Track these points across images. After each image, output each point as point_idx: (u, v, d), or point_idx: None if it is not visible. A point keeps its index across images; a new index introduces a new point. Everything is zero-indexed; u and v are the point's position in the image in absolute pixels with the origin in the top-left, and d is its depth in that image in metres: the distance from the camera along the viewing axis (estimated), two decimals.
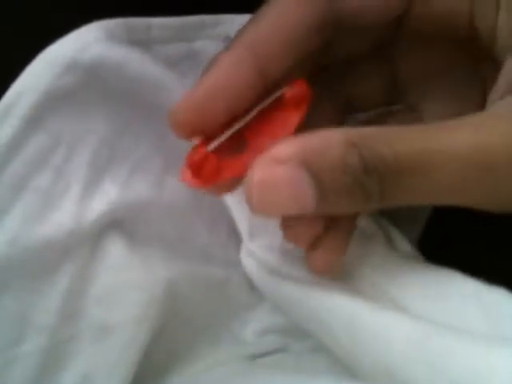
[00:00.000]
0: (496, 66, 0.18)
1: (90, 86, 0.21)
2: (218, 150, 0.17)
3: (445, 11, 0.18)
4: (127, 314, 0.20)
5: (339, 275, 0.20)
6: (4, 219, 0.19)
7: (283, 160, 0.14)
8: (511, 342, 0.14)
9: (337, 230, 0.18)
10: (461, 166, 0.14)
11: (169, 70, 0.22)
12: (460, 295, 0.16)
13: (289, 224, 0.18)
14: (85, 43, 0.20)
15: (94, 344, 0.20)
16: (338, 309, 0.18)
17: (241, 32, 0.17)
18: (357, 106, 0.21)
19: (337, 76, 0.20)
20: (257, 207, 0.15)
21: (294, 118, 0.17)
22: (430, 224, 0.24)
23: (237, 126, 0.17)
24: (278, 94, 0.17)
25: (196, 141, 0.18)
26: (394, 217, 0.22)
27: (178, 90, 0.22)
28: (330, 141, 0.15)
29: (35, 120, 0.20)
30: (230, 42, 0.17)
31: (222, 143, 0.17)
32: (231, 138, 0.17)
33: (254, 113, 0.17)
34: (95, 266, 0.21)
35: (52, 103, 0.20)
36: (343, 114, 0.21)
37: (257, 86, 0.17)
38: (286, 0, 0.17)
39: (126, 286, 0.21)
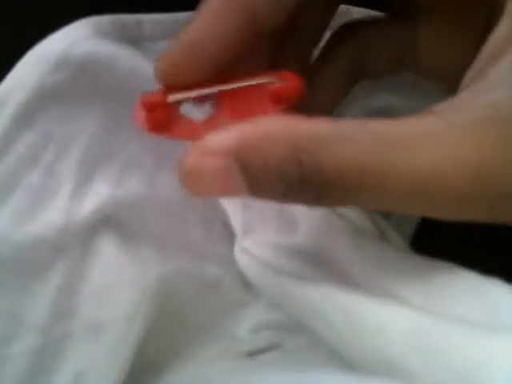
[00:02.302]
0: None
1: (79, 82, 0.20)
2: (178, 105, 0.16)
3: None
4: (119, 312, 0.20)
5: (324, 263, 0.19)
6: None
7: (216, 152, 0.14)
8: (510, 333, 0.14)
9: None
10: (408, 190, 0.14)
11: None
12: (459, 287, 0.16)
13: None
14: (74, 40, 0.20)
15: (87, 342, 0.20)
16: (336, 301, 0.18)
17: None
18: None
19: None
20: (188, 191, 0.15)
21: (272, 111, 0.16)
22: (422, 222, 0.24)
23: (210, 90, 0.17)
24: (265, 80, 0.17)
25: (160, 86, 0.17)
26: (387, 214, 0.22)
27: None
28: (272, 139, 0.14)
29: (25, 118, 0.20)
30: None
31: (186, 100, 0.17)
32: (199, 98, 0.17)
33: (233, 85, 0.17)
34: (87, 264, 0.21)
35: (41, 100, 0.20)
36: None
37: (244, 34, 0.16)
38: None
39: (118, 284, 0.20)
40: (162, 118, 0.16)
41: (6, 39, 0.22)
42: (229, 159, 0.14)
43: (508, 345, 0.13)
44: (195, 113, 0.17)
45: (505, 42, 0.15)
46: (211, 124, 0.16)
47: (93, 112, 0.21)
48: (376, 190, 0.14)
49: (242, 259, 0.23)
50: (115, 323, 0.20)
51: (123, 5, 0.22)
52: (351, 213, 0.21)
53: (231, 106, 0.17)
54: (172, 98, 0.16)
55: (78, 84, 0.21)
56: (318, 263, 0.20)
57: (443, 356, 0.14)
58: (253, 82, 0.17)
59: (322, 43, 0.21)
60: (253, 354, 0.22)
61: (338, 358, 0.19)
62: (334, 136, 0.14)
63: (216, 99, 0.17)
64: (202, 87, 0.17)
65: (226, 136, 0.14)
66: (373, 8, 0.23)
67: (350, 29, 0.21)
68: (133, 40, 0.22)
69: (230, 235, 0.24)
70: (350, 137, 0.14)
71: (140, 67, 0.21)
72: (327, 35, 0.21)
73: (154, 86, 0.22)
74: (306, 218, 0.21)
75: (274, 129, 0.14)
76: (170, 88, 0.17)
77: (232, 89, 0.17)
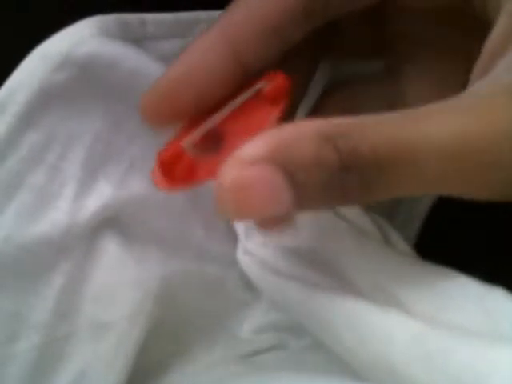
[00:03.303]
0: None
1: (83, 82, 0.20)
2: (192, 148, 0.16)
3: None
4: (122, 312, 0.20)
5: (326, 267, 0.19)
6: None
7: (255, 160, 0.13)
8: (510, 343, 0.14)
9: None
10: (440, 157, 0.14)
11: (163, 67, 0.22)
12: (460, 294, 0.16)
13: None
14: (78, 39, 0.20)
15: (90, 342, 0.20)
16: (338, 306, 0.18)
17: (218, 17, 0.17)
18: (342, 52, 0.20)
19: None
20: (232, 212, 0.14)
21: (273, 113, 0.16)
22: (425, 225, 0.24)
23: (212, 122, 0.16)
24: (255, 88, 0.17)
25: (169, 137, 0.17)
26: (390, 216, 0.22)
27: None
28: (303, 135, 0.14)
29: (29, 117, 0.20)
30: (205, 28, 0.17)
31: (196, 140, 0.16)
32: (206, 135, 0.16)
33: (230, 107, 0.17)
34: (90, 264, 0.21)
35: (46, 100, 0.20)
36: (326, 58, 0.20)
37: (231, 73, 0.16)
38: None
39: (121, 284, 0.21)
40: (184, 169, 0.16)
41: (10, 38, 0.22)
42: (270, 163, 0.13)
43: (508, 353, 0.13)
44: (206, 149, 0.17)
45: (506, 38, 0.15)
46: (227, 152, 0.16)
47: (96, 112, 0.21)
48: (411, 165, 0.14)
49: (245, 260, 0.23)
50: (118, 323, 0.20)
51: (126, 4, 0.22)
52: (353, 215, 0.21)
53: (234, 125, 0.17)
54: (184, 143, 0.16)
55: (81, 83, 0.20)
56: (319, 266, 0.20)
57: (445, 365, 0.14)
58: (245, 95, 0.17)
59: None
60: (256, 354, 0.22)
61: (341, 360, 0.19)
62: (362, 121, 0.14)
63: (217, 127, 0.17)
64: (199, 121, 0.16)
65: (259, 144, 0.14)
66: (360, 58, 0.22)
67: (338, 89, 0.21)
68: (136, 39, 0.22)
69: (232, 236, 0.24)
70: (378, 119, 0.14)
71: (144, 67, 0.21)
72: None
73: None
74: (308, 220, 0.21)
75: (303, 127, 0.14)
76: (176, 138, 0.16)
77: (233, 110, 0.17)
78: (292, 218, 0.16)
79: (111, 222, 0.21)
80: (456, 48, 0.19)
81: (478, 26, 0.17)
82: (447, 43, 0.19)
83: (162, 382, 0.21)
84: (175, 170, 0.16)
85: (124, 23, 0.21)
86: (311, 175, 0.14)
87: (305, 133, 0.14)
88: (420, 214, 0.23)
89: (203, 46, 0.16)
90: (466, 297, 0.16)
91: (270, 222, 0.15)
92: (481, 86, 0.15)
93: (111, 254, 0.21)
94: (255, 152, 0.14)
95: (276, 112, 0.16)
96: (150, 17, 0.22)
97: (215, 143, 0.17)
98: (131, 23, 0.21)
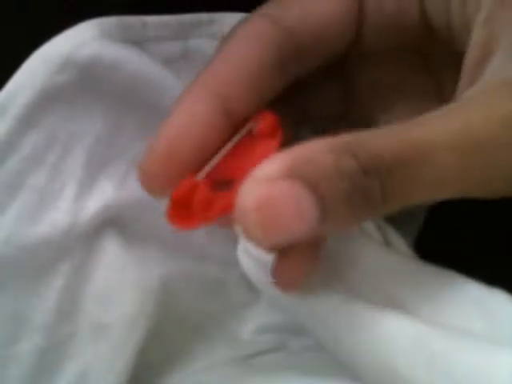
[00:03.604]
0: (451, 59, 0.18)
1: (85, 84, 0.21)
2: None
3: (395, 10, 0.18)
4: (123, 313, 0.20)
5: (305, 293, 0.19)
6: None
7: (275, 177, 0.13)
8: (511, 346, 0.14)
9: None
10: (453, 149, 0.14)
11: (164, 69, 0.22)
12: (461, 297, 0.16)
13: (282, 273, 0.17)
14: (80, 41, 0.20)
15: (91, 342, 0.20)
16: (338, 308, 0.18)
17: (200, 73, 0.17)
18: (311, 115, 0.20)
19: (290, 89, 0.19)
20: (260, 233, 0.13)
21: (272, 144, 0.16)
22: (425, 227, 0.24)
23: (213, 162, 0.16)
24: (246, 128, 0.17)
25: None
26: (390, 218, 0.22)
27: (174, 89, 0.22)
28: (318, 149, 0.14)
29: (30, 118, 0.20)
30: (189, 83, 0.17)
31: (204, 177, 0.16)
32: (214, 179, 0.16)
33: (227, 147, 0.17)
34: (91, 265, 0.21)
35: (47, 101, 0.20)
36: (295, 123, 0.20)
37: (222, 126, 0.16)
38: (245, 36, 0.17)
39: (121, 285, 0.21)
40: (201, 200, 0.15)
41: (11, 40, 0.22)
42: (291, 178, 0.13)
43: (509, 355, 0.13)
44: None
45: (486, 46, 0.16)
46: (239, 185, 0.15)
47: (97, 113, 0.21)
48: (427, 163, 0.14)
49: (245, 260, 0.23)
50: (118, 324, 0.20)
51: (127, 6, 0.22)
52: None
53: (241, 164, 0.16)
54: (199, 176, 0.16)
55: (82, 85, 0.21)
56: (320, 268, 0.20)
57: (446, 366, 0.14)
58: (239, 135, 0.17)
59: None
60: (256, 355, 0.22)
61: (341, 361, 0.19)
62: (371, 133, 0.14)
63: (219, 172, 0.16)
64: (199, 167, 0.16)
65: (275, 162, 0.13)
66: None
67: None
68: (138, 42, 0.22)
69: (232, 236, 0.24)
70: (384, 130, 0.14)
71: (145, 69, 0.21)
72: None
73: (158, 87, 0.22)
74: None
75: (315, 144, 0.14)
76: (185, 181, 0.16)
77: (228, 152, 0.17)
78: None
79: (112, 223, 0.21)
80: (424, 84, 0.20)
81: (442, 54, 0.18)
82: (414, 82, 0.20)
83: (162, 382, 0.21)
84: (192, 204, 0.15)
85: (125, 25, 0.21)
86: (334, 184, 0.13)
87: (319, 147, 0.14)
88: (420, 214, 0.24)
89: (192, 103, 0.16)
90: (466, 299, 0.16)
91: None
92: (475, 89, 0.15)
93: (112, 255, 0.21)
94: (274, 169, 0.13)
95: (275, 143, 0.17)
96: (152, 19, 0.22)
97: (225, 184, 0.16)
98: (132, 25, 0.22)
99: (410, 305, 0.17)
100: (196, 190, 0.15)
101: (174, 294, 0.22)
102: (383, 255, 0.19)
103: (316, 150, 0.14)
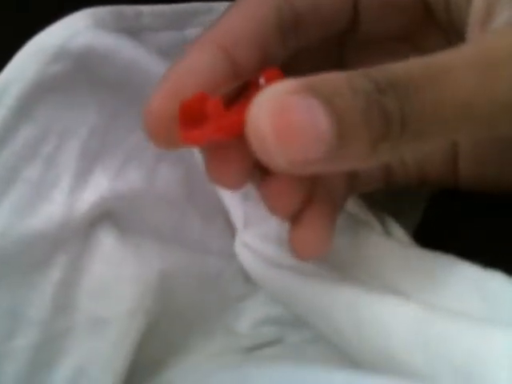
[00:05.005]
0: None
1: (79, 74, 0.20)
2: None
3: None
4: (121, 307, 0.20)
5: (325, 259, 0.19)
6: None
7: (290, 90, 0.13)
8: (509, 326, 0.14)
9: (322, 205, 0.17)
10: (472, 69, 0.14)
11: (160, 59, 0.22)
12: (459, 280, 0.16)
13: (269, 191, 0.17)
14: (73, 31, 0.20)
15: (88, 337, 0.20)
16: (337, 297, 0.18)
17: (206, 29, 0.17)
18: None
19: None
20: (273, 147, 0.13)
21: None
22: (424, 217, 0.24)
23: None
24: (253, 79, 0.17)
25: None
26: (388, 207, 0.22)
27: None
28: (332, 73, 0.13)
29: (23, 110, 0.20)
30: (195, 38, 0.17)
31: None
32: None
33: (233, 92, 0.17)
34: (87, 258, 0.20)
35: (40, 92, 0.20)
36: None
37: (227, 74, 0.16)
38: (248, 1, 0.17)
39: (119, 279, 0.20)
40: (214, 110, 0.15)
41: (5, 30, 0.22)
42: (305, 92, 0.13)
43: (507, 337, 0.13)
44: None
45: (490, 5, 0.16)
46: (248, 102, 0.14)
47: (92, 104, 0.21)
48: (444, 79, 0.14)
49: (243, 253, 0.23)
50: (117, 318, 0.20)
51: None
52: (353, 206, 0.21)
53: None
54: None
55: (77, 75, 0.20)
56: (318, 257, 0.20)
57: (443, 349, 0.14)
58: (244, 84, 0.17)
59: None
60: (255, 348, 0.22)
61: (340, 351, 0.19)
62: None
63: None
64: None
65: (289, 80, 0.13)
66: None
67: None
68: (132, 31, 0.22)
69: (230, 229, 0.24)
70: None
71: (140, 58, 0.21)
72: None
73: (154, 78, 0.21)
74: None
75: (327, 74, 0.13)
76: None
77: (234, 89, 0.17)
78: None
79: (108, 215, 0.21)
80: None
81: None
82: None
83: (160, 376, 0.21)
84: (200, 117, 0.15)
85: (120, 15, 0.21)
86: (348, 100, 0.13)
87: (331, 73, 0.13)
88: (419, 204, 0.24)
89: (197, 50, 0.16)
90: (464, 282, 0.16)
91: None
92: (488, 30, 0.15)
93: (108, 247, 0.21)
94: (287, 84, 0.13)
95: None
96: (147, 8, 0.22)
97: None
98: (127, 15, 0.21)
99: (406, 289, 0.17)
100: (206, 102, 0.15)
101: (172, 288, 0.22)
102: (382, 242, 0.19)
103: (329, 74, 0.13)
